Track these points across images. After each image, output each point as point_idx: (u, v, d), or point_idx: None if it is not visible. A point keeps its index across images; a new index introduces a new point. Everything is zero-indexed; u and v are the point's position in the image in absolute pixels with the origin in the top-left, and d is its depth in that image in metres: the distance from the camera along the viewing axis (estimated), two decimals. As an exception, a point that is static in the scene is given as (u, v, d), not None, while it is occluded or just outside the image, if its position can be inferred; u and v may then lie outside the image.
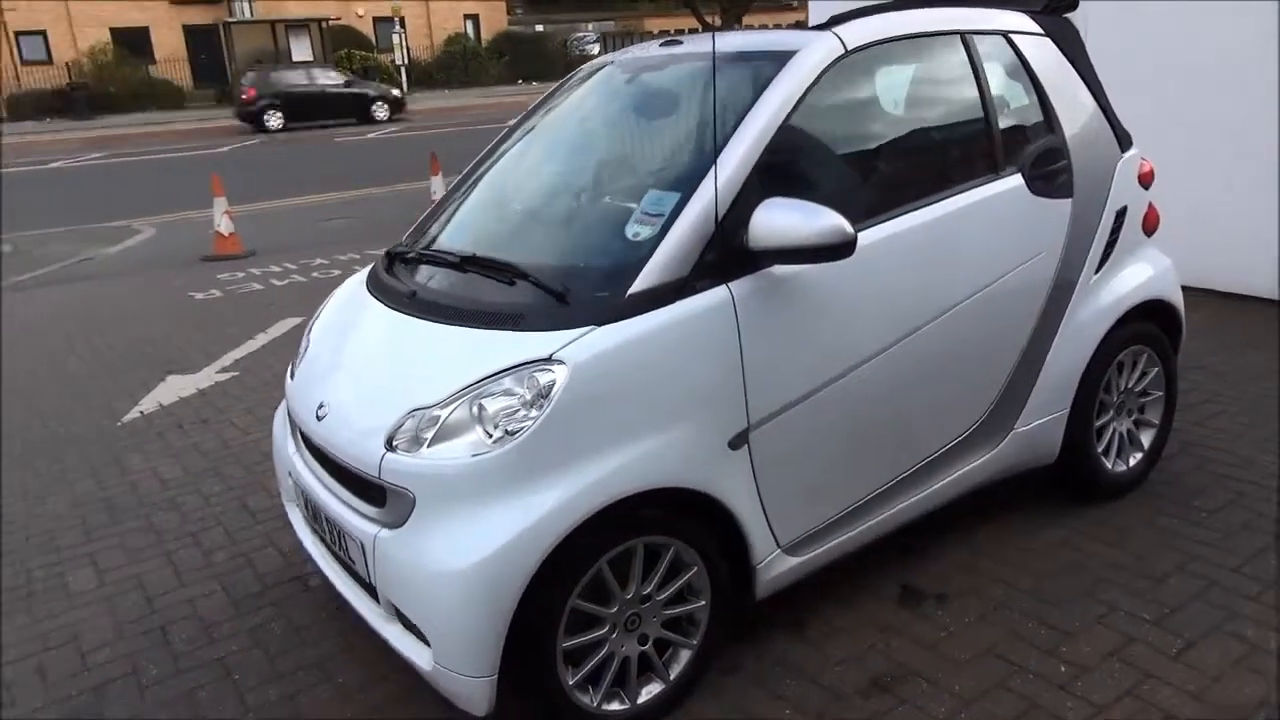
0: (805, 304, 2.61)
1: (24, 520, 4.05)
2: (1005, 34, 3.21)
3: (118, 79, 30.44)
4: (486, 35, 39.50)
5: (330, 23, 32.55)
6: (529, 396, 2.30)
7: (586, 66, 3.57)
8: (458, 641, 2.27)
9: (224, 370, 5.95)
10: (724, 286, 2.48)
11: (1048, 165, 3.19)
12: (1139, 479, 3.67)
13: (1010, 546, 3.34)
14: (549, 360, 2.32)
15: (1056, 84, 3.27)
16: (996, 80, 3.16)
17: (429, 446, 2.32)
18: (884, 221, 2.80)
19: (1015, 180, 3.08)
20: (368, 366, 2.77)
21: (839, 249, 2.43)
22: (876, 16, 2.97)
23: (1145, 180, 3.53)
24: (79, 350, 6.58)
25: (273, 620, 3.19)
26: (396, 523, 2.37)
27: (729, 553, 2.63)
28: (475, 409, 2.32)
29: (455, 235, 3.12)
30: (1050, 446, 3.37)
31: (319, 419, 2.65)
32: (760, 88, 2.68)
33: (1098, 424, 3.49)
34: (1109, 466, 3.57)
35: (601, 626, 2.46)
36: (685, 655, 2.64)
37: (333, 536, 2.68)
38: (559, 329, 2.38)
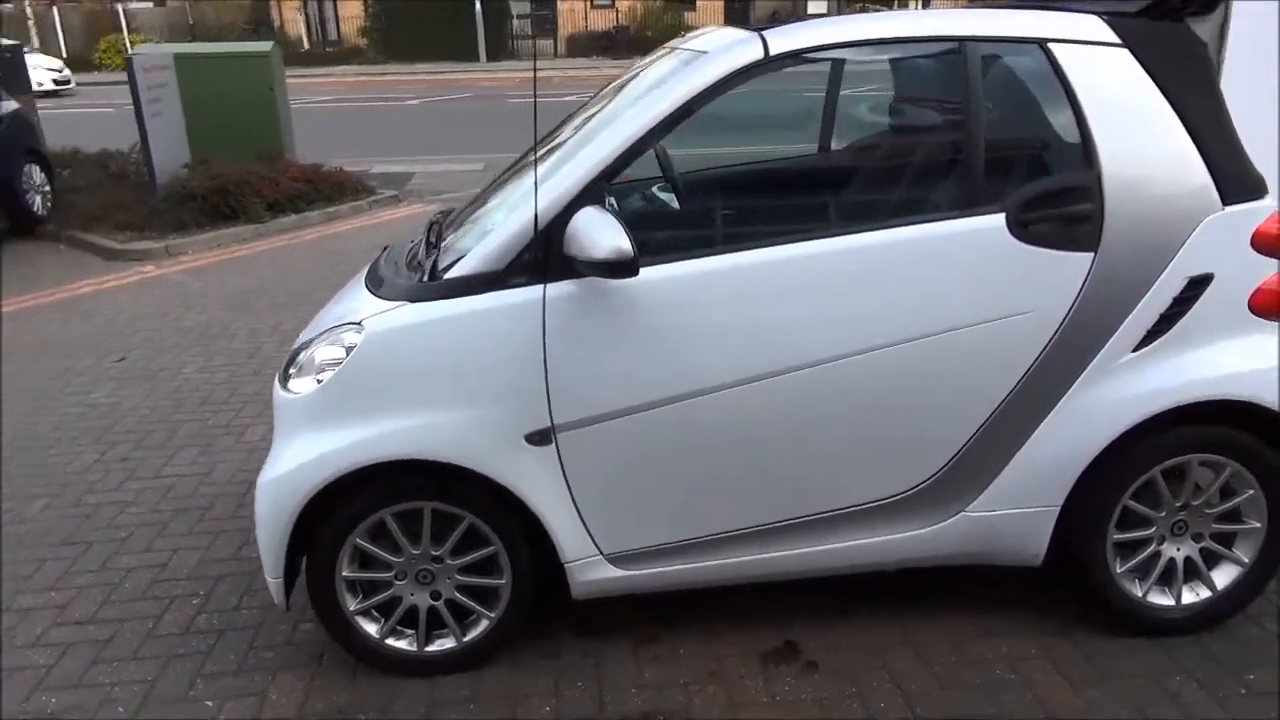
0: (637, 318, 2.53)
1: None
2: (1042, 42, 2.63)
3: (658, 25, 33.91)
4: None
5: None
6: (341, 352, 2.61)
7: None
8: (260, 539, 2.70)
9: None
10: (539, 287, 2.52)
11: (1056, 207, 2.60)
12: (1200, 623, 2.87)
13: (948, 641, 2.88)
14: (358, 324, 2.60)
15: (1112, 109, 2.61)
16: (1003, 99, 2.64)
17: (291, 380, 2.75)
18: (764, 247, 2.57)
19: (990, 220, 2.57)
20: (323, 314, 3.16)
21: (616, 268, 2.37)
22: (838, 20, 2.65)
23: (1266, 245, 2.66)
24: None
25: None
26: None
27: (534, 543, 2.70)
28: (313, 355, 2.70)
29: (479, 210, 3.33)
30: (1026, 545, 2.80)
31: None
32: (652, 89, 2.61)
33: (1121, 537, 2.80)
34: (1139, 594, 2.85)
35: (386, 570, 2.73)
36: (484, 624, 2.79)
37: None
38: (387, 299, 2.64)
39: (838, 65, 3.45)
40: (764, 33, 2.61)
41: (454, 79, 25.79)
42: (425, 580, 2.76)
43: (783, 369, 2.58)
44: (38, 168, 9.20)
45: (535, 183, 2.53)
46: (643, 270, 2.50)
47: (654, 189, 3.47)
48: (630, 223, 2.47)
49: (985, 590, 3.06)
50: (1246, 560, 2.84)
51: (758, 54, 2.57)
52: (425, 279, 2.62)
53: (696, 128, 2.66)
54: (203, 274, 7.70)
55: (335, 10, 34.06)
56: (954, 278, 2.59)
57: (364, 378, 2.58)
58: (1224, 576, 2.86)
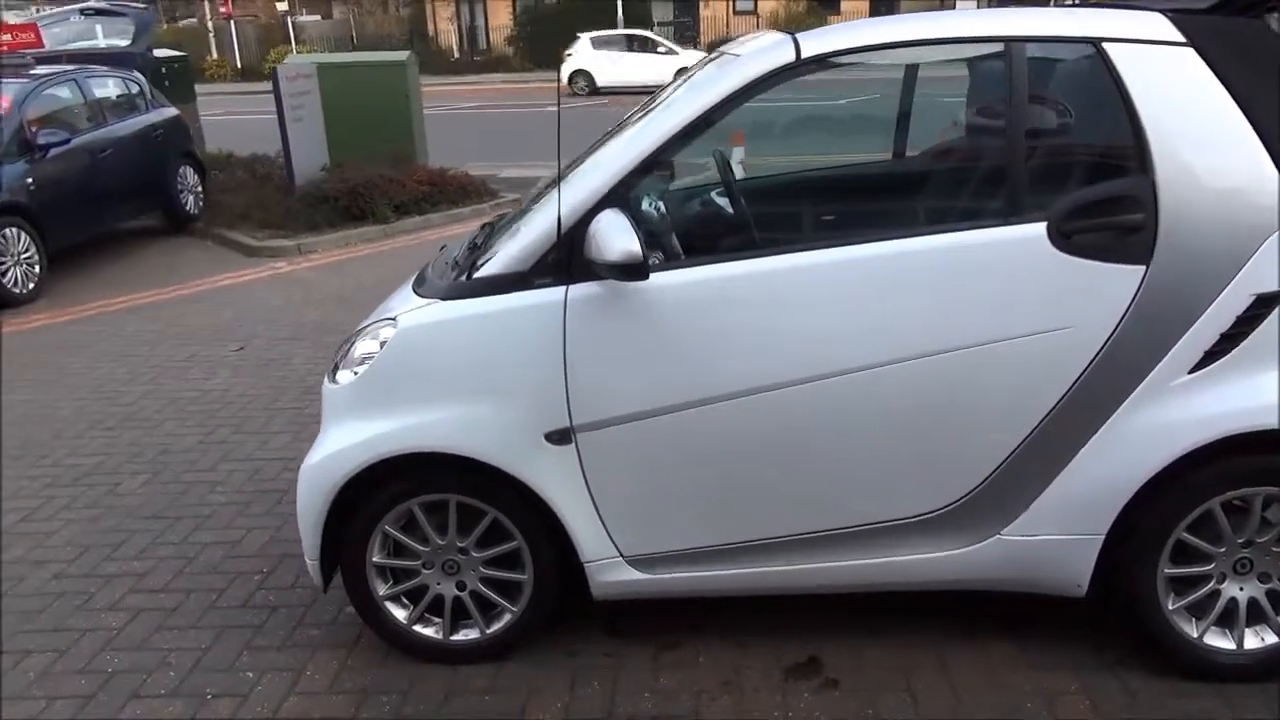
0: (657, 321, 2.54)
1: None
2: (1096, 41, 2.48)
3: (801, 28, 33.57)
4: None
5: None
6: (377, 346, 2.73)
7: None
8: (300, 522, 2.84)
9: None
10: (562, 288, 2.56)
11: (1105, 216, 2.44)
12: (1262, 671, 2.65)
13: (983, 668, 2.75)
14: (393, 319, 2.71)
15: (1172, 112, 2.44)
16: (1052, 102, 2.50)
17: (337, 372, 2.88)
18: (791, 252, 2.53)
19: (1030, 230, 2.44)
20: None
21: (627, 270, 2.39)
22: (878, 21, 2.58)
23: (1349, 263, 2.43)
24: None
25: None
26: None
27: (556, 540, 2.74)
28: (354, 348, 2.82)
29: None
30: (1067, 573, 2.64)
31: None
32: (693, 93, 2.61)
33: (1174, 572, 2.61)
34: (1194, 634, 2.65)
35: (415, 558, 2.82)
36: (507, 617, 2.85)
37: None
38: (424, 297, 2.73)
39: (911, 69, 3.35)
40: (797, 36, 2.57)
41: (595, 85, 26.21)
42: (451, 570, 2.83)
43: (808, 377, 2.53)
44: (191, 170, 9.92)
45: (558, 184, 2.57)
46: (665, 274, 2.51)
47: (712, 194, 3.47)
48: (658, 227, 2.47)
49: (1037, 618, 2.90)
50: (1321, 606, 2.60)
51: (789, 57, 2.54)
52: (459, 278, 2.71)
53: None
54: (326, 271, 8.13)
55: (486, 21, 35.28)
56: (990, 289, 2.48)
57: (394, 371, 2.68)
58: (1294, 622, 2.63)
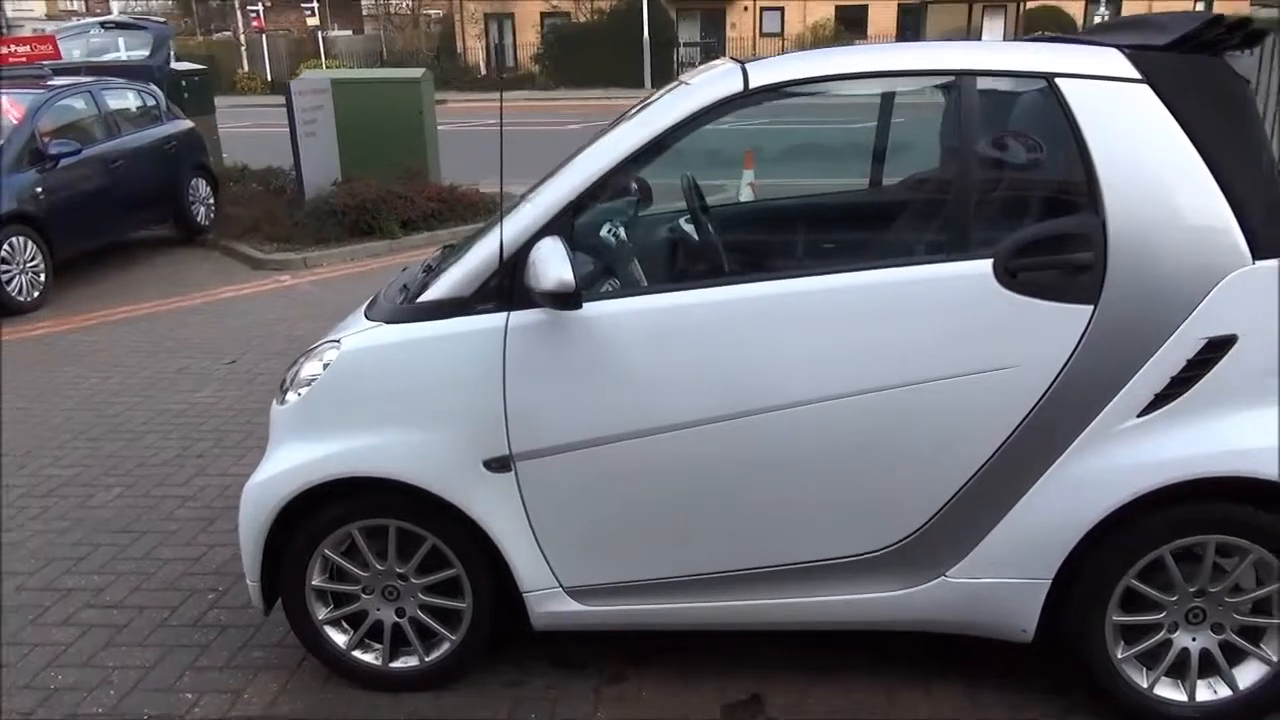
0: (595, 351, 2.51)
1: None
2: (1049, 77, 2.43)
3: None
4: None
5: (1029, 4, 31.37)
6: (320, 368, 2.72)
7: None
8: (241, 543, 2.82)
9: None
10: (504, 314, 2.54)
11: (1052, 255, 2.39)
12: (1218, 724, 2.56)
13: (932, 712, 2.68)
14: (337, 342, 2.70)
15: (1124, 150, 2.38)
16: (1002, 137, 2.46)
17: (286, 393, 2.87)
18: (732, 284, 2.50)
19: (975, 267, 2.40)
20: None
21: (560, 299, 2.38)
22: (826, 52, 2.55)
23: (1306, 306, 2.37)
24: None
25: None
26: None
27: (495, 569, 2.71)
28: (299, 369, 2.81)
29: None
30: (1013, 618, 2.57)
31: None
32: (642, 121, 2.59)
33: (1124, 620, 2.54)
34: (1144, 685, 2.57)
35: (354, 583, 2.79)
36: (446, 646, 2.82)
37: None
38: (370, 320, 2.72)
39: (888, 98, 3.32)
40: (746, 65, 2.54)
41: (618, 104, 26.24)
42: (391, 596, 2.81)
43: (748, 410, 2.48)
44: (204, 181, 10.03)
45: (500, 210, 2.56)
46: (603, 304, 2.49)
47: (680, 221, 3.44)
48: (598, 255, 2.45)
49: (991, 660, 2.83)
50: (1275, 659, 2.51)
51: (737, 87, 2.51)
52: (404, 302, 2.69)
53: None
54: (329, 285, 8.17)
55: (514, 38, 35.58)
56: (934, 325, 2.43)
57: (335, 394, 2.67)
58: (1249, 675, 2.54)
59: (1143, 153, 2.39)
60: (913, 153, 3.15)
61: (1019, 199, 2.58)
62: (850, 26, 34.66)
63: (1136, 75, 2.42)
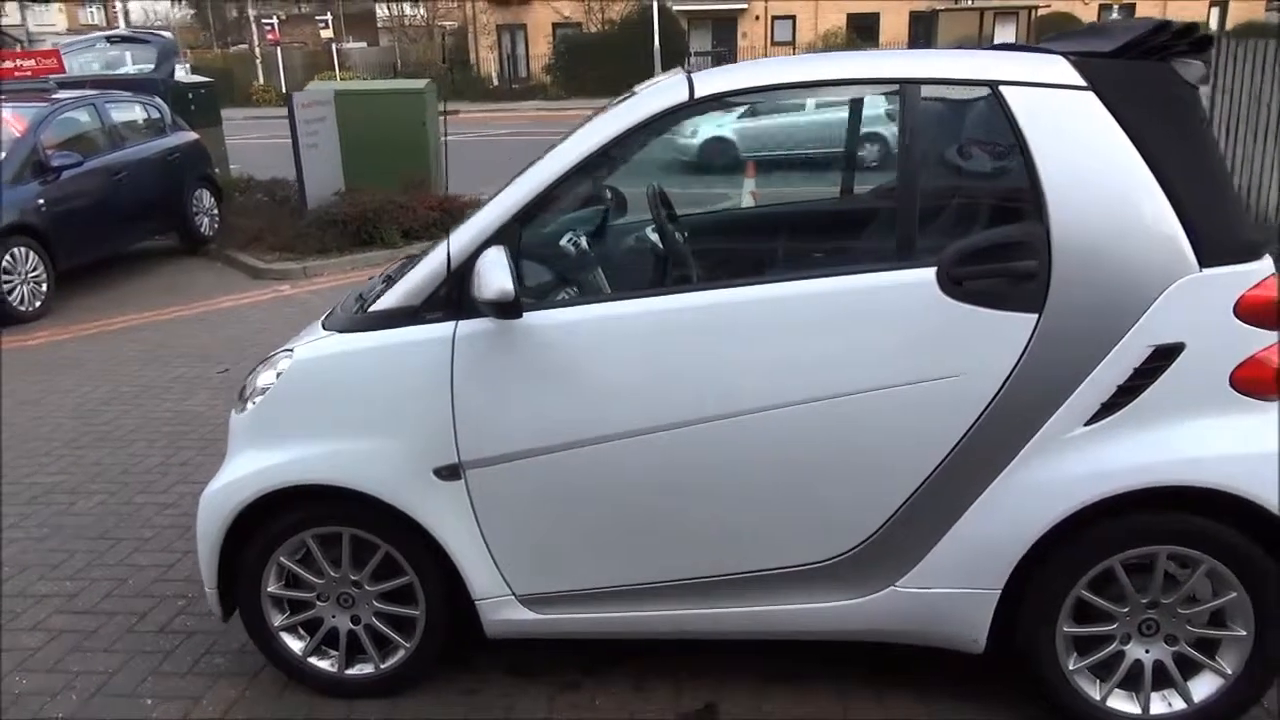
0: (542, 358, 2.52)
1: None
2: (993, 84, 2.42)
3: (839, 58, 33.57)
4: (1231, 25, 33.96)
5: (1041, 10, 31.18)
6: (274, 377, 2.74)
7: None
8: (198, 550, 2.84)
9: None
10: (452, 323, 2.55)
11: (996, 263, 2.38)
12: (1171, 738, 2.53)
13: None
14: (290, 351, 2.72)
15: (1068, 158, 2.37)
16: (946, 146, 2.45)
17: (245, 402, 2.90)
18: (677, 293, 2.50)
19: (918, 275, 2.39)
20: None
21: (501, 308, 2.40)
22: (769, 62, 2.55)
23: (1254, 313, 2.34)
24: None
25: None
26: None
27: (448, 577, 2.72)
28: (255, 378, 2.84)
29: None
30: (963, 628, 2.56)
31: None
32: (590, 131, 2.60)
33: (1075, 631, 2.51)
34: (1097, 697, 2.55)
35: (310, 590, 2.81)
36: (401, 653, 2.83)
37: None
38: (325, 329, 2.74)
39: (856, 104, 3.32)
40: (692, 75, 2.55)
41: (628, 114, 26.42)
42: (346, 604, 2.82)
43: (694, 419, 2.48)
44: (208, 192, 10.13)
45: (447, 231, 2.57)
46: (546, 312, 2.50)
47: (647, 230, 3.45)
48: (556, 264, 2.46)
49: (952, 672, 2.81)
50: (1230, 672, 2.48)
51: (683, 96, 2.52)
52: (356, 312, 2.71)
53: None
54: (328, 294, 8.20)
55: (527, 49, 35.76)
56: (878, 334, 2.42)
57: (287, 403, 2.69)
58: (1204, 688, 2.52)
59: (1087, 160, 2.38)
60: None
61: (964, 207, 2.58)
62: (862, 34, 34.64)
63: (1081, 82, 2.41)
